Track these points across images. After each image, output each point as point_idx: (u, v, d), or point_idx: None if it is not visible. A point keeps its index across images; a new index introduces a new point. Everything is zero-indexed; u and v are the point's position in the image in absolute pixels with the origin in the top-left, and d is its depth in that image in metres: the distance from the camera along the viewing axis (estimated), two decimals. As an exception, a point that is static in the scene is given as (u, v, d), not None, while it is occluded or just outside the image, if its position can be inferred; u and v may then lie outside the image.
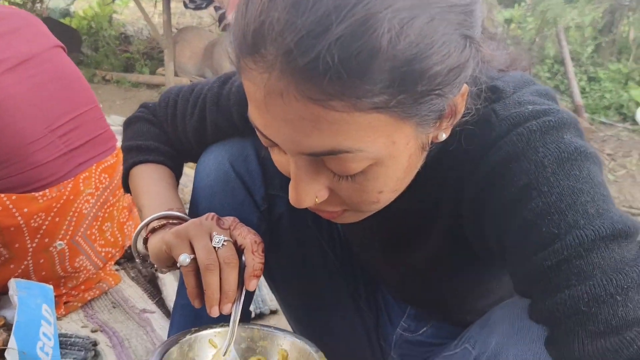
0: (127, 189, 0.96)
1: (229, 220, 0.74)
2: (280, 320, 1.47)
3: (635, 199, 2.35)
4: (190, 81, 3.61)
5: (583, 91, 3.68)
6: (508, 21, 3.91)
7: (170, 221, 0.78)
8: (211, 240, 0.69)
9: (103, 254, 1.46)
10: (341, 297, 1.03)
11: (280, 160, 0.61)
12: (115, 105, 3.28)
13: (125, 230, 1.52)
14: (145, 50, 4.16)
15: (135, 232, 0.80)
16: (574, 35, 4.07)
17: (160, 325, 1.43)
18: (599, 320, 0.51)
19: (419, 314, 1.00)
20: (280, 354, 0.77)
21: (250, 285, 0.69)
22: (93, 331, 1.39)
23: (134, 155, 0.93)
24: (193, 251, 0.69)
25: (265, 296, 1.51)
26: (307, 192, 0.58)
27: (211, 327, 0.77)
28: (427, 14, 0.48)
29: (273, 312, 1.50)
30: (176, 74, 3.39)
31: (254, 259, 0.69)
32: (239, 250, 0.71)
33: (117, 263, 1.65)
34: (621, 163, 2.71)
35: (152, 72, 3.84)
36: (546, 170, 0.56)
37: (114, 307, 1.50)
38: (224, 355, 0.72)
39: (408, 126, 0.53)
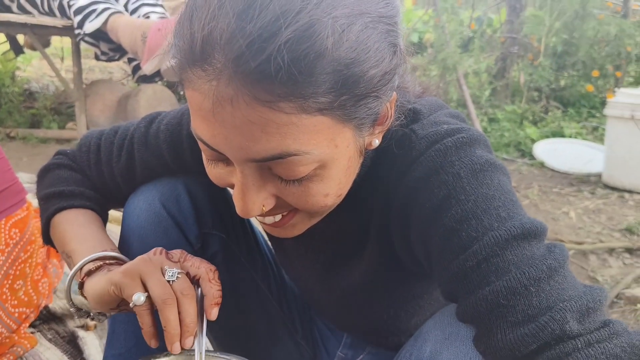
0: (47, 240, 0.91)
1: (177, 253, 0.72)
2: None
3: (540, 226, 2.53)
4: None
5: (485, 131, 3.96)
6: (414, 69, 4.16)
7: (107, 262, 0.76)
8: (163, 274, 0.68)
9: (16, 314, 1.35)
10: (278, 333, 1.02)
11: (220, 173, 0.62)
12: (22, 163, 3.10)
13: (40, 289, 1.41)
14: (53, 105, 4.01)
15: (69, 276, 0.76)
16: (472, 81, 4.41)
17: (84, 386, 1.33)
18: (517, 311, 0.55)
19: (354, 341, 1.01)
20: None
21: (212, 314, 0.68)
22: (7, 401, 1.27)
23: (56, 202, 0.88)
24: (146, 289, 0.67)
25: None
26: (254, 201, 0.59)
27: (165, 356, 0.71)
28: (361, 22, 0.52)
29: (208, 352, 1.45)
30: (88, 128, 3.29)
31: (212, 287, 0.68)
32: (193, 282, 0.70)
33: (32, 325, 1.53)
34: (524, 194, 2.92)
35: (61, 127, 3.68)
36: (462, 181, 0.61)
37: (30, 373, 1.38)
38: None
39: (348, 129, 0.57)
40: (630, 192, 2.91)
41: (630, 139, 2.91)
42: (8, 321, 1.33)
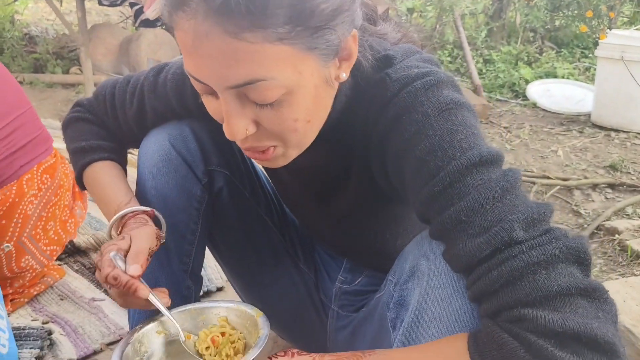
0: (82, 187, 1.05)
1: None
2: (227, 295, 1.57)
3: (529, 164, 2.65)
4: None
5: (480, 72, 4.02)
6: (410, 10, 4.18)
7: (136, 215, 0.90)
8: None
9: (48, 252, 1.49)
10: (281, 258, 1.15)
11: (214, 107, 0.73)
12: (30, 109, 3.20)
13: (68, 228, 1.55)
14: (55, 49, 4.04)
15: (107, 231, 0.91)
16: (469, 22, 4.43)
17: (112, 310, 1.49)
18: (475, 225, 0.66)
19: (353, 266, 1.14)
20: (220, 321, 0.87)
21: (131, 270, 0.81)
22: (44, 323, 1.43)
23: (80, 157, 1.01)
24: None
25: (211, 275, 1.61)
26: (238, 125, 0.70)
27: (152, 321, 0.85)
28: None
29: (219, 289, 1.61)
30: (92, 73, 3.35)
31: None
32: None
33: (59, 259, 1.69)
34: (516, 134, 3.03)
35: (65, 72, 3.74)
36: (430, 119, 0.71)
37: (62, 300, 1.54)
38: (184, 342, 0.82)
39: (311, 59, 0.67)
40: (616, 130, 3.03)
41: (619, 80, 2.99)
42: (41, 258, 1.47)
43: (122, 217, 0.90)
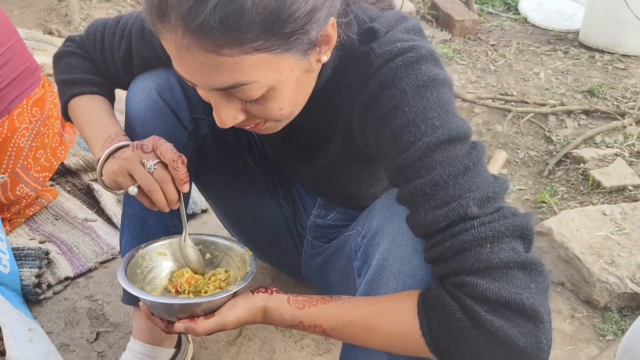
0: (67, 118, 1.09)
1: (149, 142, 0.88)
2: (211, 216, 1.69)
3: (510, 86, 2.69)
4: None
5: (473, -18, 3.90)
6: None
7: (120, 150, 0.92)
8: (144, 166, 0.86)
9: (41, 178, 1.56)
10: (261, 194, 1.25)
11: (204, 95, 0.79)
12: (14, 15, 3.10)
13: (58, 154, 1.61)
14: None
15: (98, 170, 0.94)
16: None
17: (104, 231, 1.60)
18: (437, 198, 0.74)
19: (327, 203, 1.24)
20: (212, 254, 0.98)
21: (184, 189, 0.89)
22: (41, 242, 1.54)
23: (69, 88, 1.05)
24: (135, 180, 0.86)
25: (195, 198, 1.71)
26: (227, 115, 0.76)
27: (156, 242, 0.96)
28: None
29: (204, 211, 1.72)
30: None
31: (177, 172, 0.87)
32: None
33: (51, 179, 1.76)
34: (501, 53, 3.03)
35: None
36: (407, 95, 0.77)
37: (57, 219, 1.64)
38: (184, 242, 0.94)
39: (288, 58, 0.71)
40: (602, 52, 3.04)
41: (610, 0, 2.95)
42: (34, 185, 1.54)
43: (117, 148, 0.93)
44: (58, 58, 1.09)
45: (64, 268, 1.45)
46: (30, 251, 1.44)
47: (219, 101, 0.75)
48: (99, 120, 1.01)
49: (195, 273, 0.95)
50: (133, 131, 1.03)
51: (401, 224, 0.83)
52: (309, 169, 1.10)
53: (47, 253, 1.47)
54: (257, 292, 0.84)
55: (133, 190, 0.86)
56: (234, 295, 0.83)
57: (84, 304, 1.39)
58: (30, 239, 1.55)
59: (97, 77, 1.06)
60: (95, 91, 1.05)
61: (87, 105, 1.04)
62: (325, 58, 0.78)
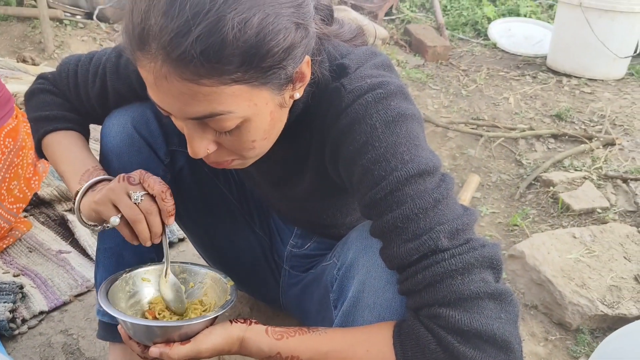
0: (41, 155, 1.09)
1: (136, 175, 0.89)
2: (188, 245, 1.68)
3: (482, 111, 2.76)
4: (64, 12, 3.43)
5: (444, 9, 4.02)
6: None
7: (100, 183, 0.93)
8: (130, 197, 0.87)
9: (14, 209, 1.54)
10: (238, 224, 1.26)
11: (178, 124, 0.80)
12: (-17, 41, 3.08)
13: (32, 185, 1.59)
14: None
15: (76, 203, 0.94)
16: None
17: (79, 263, 1.58)
18: (408, 232, 0.76)
19: (304, 233, 1.25)
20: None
21: (169, 221, 0.90)
22: (15, 275, 1.51)
23: (43, 125, 1.05)
24: (119, 211, 0.87)
25: (173, 227, 1.71)
26: (199, 146, 0.77)
27: (141, 267, 0.97)
28: (262, 12, 0.68)
29: (181, 240, 1.72)
30: (49, 5, 3.21)
31: (165, 204, 0.88)
32: (154, 197, 0.89)
33: (25, 210, 1.74)
34: (472, 78, 3.12)
35: (19, 4, 3.56)
36: (377, 131, 0.79)
37: (31, 252, 1.61)
38: (165, 277, 0.94)
39: (264, 91, 0.73)
40: (569, 76, 3.14)
41: (576, 25, 3.07)
42: (7, 216, 1.53)
43: (96, 182, 0.93)
44: (30, 96, 1.09)
45: (38, 302, 1.43)
46: (4, 285, 1.42)
47: (193, 131, 0.76)
48: (74, 156, 1.01)
49: (174, 313, 0.95)
50: (109, 164, 1.03)
51: (375, 256, 0.85)
52: (283, 201, 1.11)
53: (21, 287, 1.44)
54: (236, 322, 0.85)
55: (115, 220, 0.86)
56: (213, 321, 0.83)
57: (59, 339, 1.37)
58: (4, 272, 1.52)
59: (71, 113, 1.07)
60: (70, 127, 1.06)
61: (62, 141, 1.04)
62: (298, 95, 0.80)
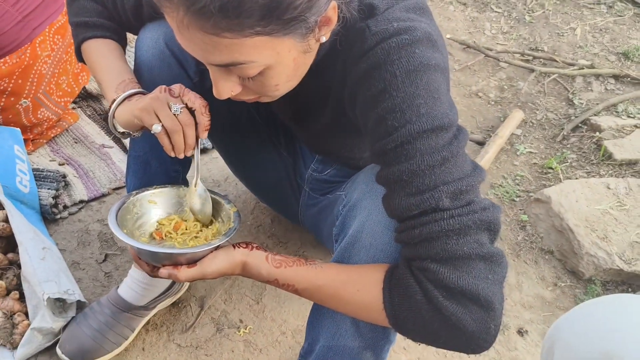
0: (80, 59, 1.14)
1: (176, 88, 0.92)
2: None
3: (542, 41, 2.60)
4: None
5: None
6: None
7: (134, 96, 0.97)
8: (170, 108, 0.90)
9: (62, 103, 1.63)
10: (265, 145, 1.31)
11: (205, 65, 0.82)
12: None
13: (80, 80, 1.66)
14: None
15: (110, 113, 0.98)
16: None
17: (119, 158, 1.68)
18: (412, 186, 0.77)
19: (325, 159, 1.29)
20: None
21: (204, 135, 0.93)
22: (60, 164, 1.64)
23: (82, 31, 1.08)
24: (159, 120, 0.90)
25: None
26: (224, 88, 0.80)
27: (147, 190, 1.01)
28: None
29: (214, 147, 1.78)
30: None
31: (203, 118, 0.92)
32: (191, 111, 0.92)
33: (73, 102, 1.83)
34: (540, 2, 2.90)
35: None
36: (397, 79, 0.78)
37: (76, 142, 1.72)
38: (195, 186, 0.99)
39: (286, 40, 0.73)
40: (648, 10, 2.88)
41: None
42: (55, 109, 1.62)
43: (131, 95, 0.97)
44: (71, 0, 1.12)
45: (79, 191, 1.55)
46: (49, 173, 1.54)
47: (218, 75, 0.78)
48: (111, 65, 1.05)
49: (197, 221, 1.00)
50: (141, 77, 1.07)
51: (377, 200, 0.88)
52: (304, 132, 1.14)
53: (64, 176, 1.56)
54: (238, 247, 0.91)
55: (157, 127, 0.89)
56: (216, 248, 0.90)
57: (95, 227, 1.50)
58: (50, 160, 1.64)
59: (109, 21, 1.09)
60: (108, 35, 1.09)
61: (100, 49, 1.08)
62: (324, 38, 0.79)
